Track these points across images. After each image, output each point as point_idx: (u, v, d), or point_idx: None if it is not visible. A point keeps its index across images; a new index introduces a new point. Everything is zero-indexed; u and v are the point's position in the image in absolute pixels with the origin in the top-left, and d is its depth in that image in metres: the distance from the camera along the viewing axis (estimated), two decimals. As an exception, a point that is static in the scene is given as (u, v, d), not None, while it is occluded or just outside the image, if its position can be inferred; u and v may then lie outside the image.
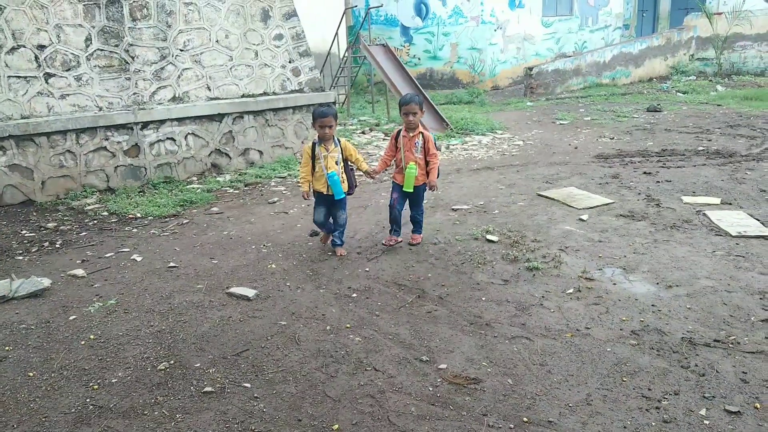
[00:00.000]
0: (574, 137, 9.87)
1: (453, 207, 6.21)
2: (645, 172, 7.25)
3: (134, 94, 7.45)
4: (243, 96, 8.32)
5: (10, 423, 2.88)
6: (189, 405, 2.97)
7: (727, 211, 5.63)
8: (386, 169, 5.31)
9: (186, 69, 7.85)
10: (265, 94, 8.52)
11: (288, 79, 8.73)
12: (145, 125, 7.44)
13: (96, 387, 3.16)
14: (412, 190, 4.84)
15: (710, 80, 15.79)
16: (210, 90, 8.05)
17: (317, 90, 8.98)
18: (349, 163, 4.94)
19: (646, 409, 2.78)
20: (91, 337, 3.72)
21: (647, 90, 15.00)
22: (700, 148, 8.40)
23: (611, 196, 6.34)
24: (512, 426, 2.70)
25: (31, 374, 3.31)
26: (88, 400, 3.05)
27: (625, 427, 2.66)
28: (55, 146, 6.91)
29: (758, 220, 5.33)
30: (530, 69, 14.91)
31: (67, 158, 7.02)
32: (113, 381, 3.21)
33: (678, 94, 14.28)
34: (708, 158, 7.84)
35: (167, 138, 7.64)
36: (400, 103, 4.90)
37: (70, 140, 6.98)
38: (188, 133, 7.79)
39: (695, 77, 16.29)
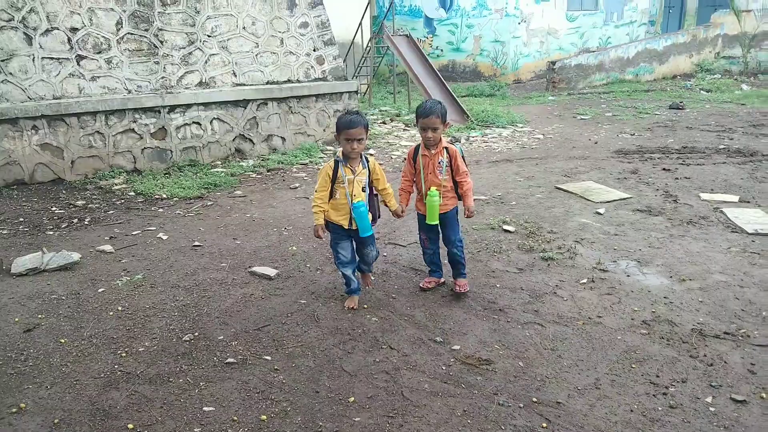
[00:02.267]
0: (594, 132, 9.87)
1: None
2: (664, 169, 7.26)
3: (162, 78, 7.62)
4: (268, 83, 8.45)
5: (44, 384, 3.05)
6: (212, 374, 3.11)
7: (745, 209, 5.64)
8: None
9: (213, 55, 7.99)
10: (289, 81, 8.64)
11: (312, 67, 8.85)
12: (172, 109, 7.60)
13: (124, 354, 3.32)
14: (437, 222, 3.82)
15: (735, 79, 15.60)
16: (236, 76, 8.19)
17: (340, 78, 9.08)
18: (375, 189, 3.84)
19: (653, 395, 2.87)
20: (119, 308, 3.89)
21: (670, 87, 14.87)
22: (721, 147, 8.36)
23: (629, 191, 6.37)
24: (522, 405, 2.80)
25: (62, 341, 3.48)
26: (116, 366, 3.21)
27: (631, 411, 2.75)
28: (85, 127, 7.10)
29: (776, 219, 5.35)
30: (553, 63, 14.86)
31: (96, 139, 7.21)
32: (140, 350, 3.37)
33: (702, 92, 14.14)
34: (728, 156, 7.81)
35: (193, 122, 7.80)
36: (417, 113, 3.74)
37: (99, 121, 7.17)
38: (214, 118, 7.95)
39: (720, 75, 16.10)
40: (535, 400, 2.84)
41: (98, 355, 3.32)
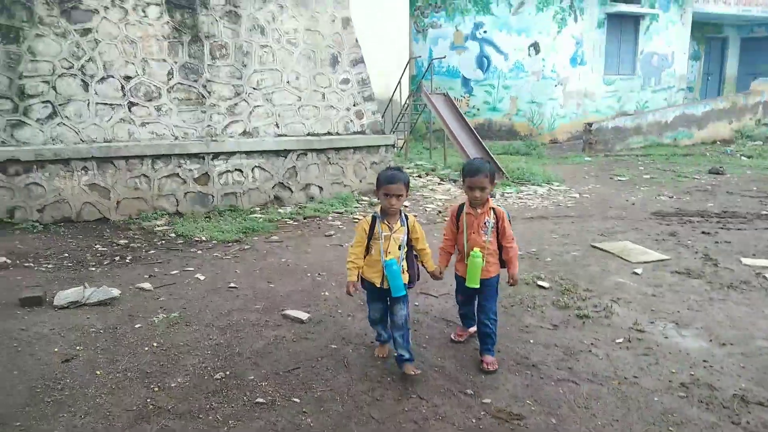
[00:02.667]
0: (631, 194, 9.80)
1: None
2: (703, 232, 7.14)
3: (208, 126, 7.93)
4: (308, 134, 8.70)
5: (78, 413, 3.10)
6: (241, 413, 3.12)
7: (789, 276, 5.49)
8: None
9: (257, 106, 8.30)
10: (329, 133, 8.89)
11: (351, 120, 9.09)
12: (215, 156, 7.87)
13: (156, 389, 3.36)
14: (477, 285, 3.59)
15: (777, 146, 15.39)
16: (278, 127, 8.46)
17: (378, 132, 9.30)
18: (413, 249, 3.70)
19: (692, 460, 2.76)
20: (154, 344, 3.95)
21: (710, 152, 14.73)
22: (764, 213, 8.20)
23: (667, 252, 6.27)
24: (553, 462, 2.73)
25: (98, 373, 3.55)
26: (148, 400, 3.25)
27: (668, 475, 2.65)
28: (132, 170, 7.39)
29: (822, 287, 5.18)
30: (590, 125, 14.92)
31: (142, 181, 7.49)
32: (173, 385, 3.41)
33: (742, 158, 13.96)
34: (771, 222, 7.65)
35: (235, 169, 8.05)
36: (464, 172, 3.63)
37: (146, 165, 7.47)
38: (255, 166, 8.19)
39: (762, 142, 15.91)
40: (567, 457, 2.77)
41: (132, 389, 3.37)
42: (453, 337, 4.03)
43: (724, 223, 7.63)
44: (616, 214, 8.23)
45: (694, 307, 4.74)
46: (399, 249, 3.50)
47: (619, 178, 11.41)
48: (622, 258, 6.08)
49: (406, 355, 3.52)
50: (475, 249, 3.55)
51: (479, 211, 3.64)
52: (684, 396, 3.34)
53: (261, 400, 3.25)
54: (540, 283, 5.25)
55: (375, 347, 3.89)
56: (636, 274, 5.56)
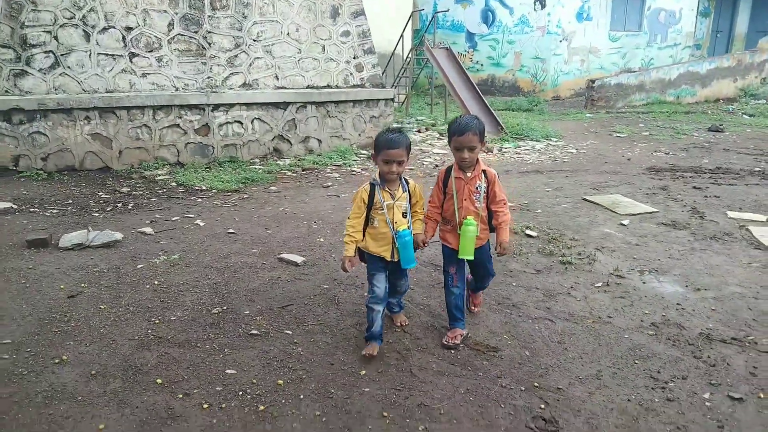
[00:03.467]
0: (628, 150, 9.88)
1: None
2: (694, 187, 7.27)
3: (208, 77, 8.00)
4: (308, 87, 8.76)
5: (84, 342, 3.33)
6: (236, 343, 3.34)
7: (772, 228, 5.65)
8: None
9: (257, 58, 8.35)
10: (328, 86, 8.94)
11: (351, 73, 9.13)
12: (216, 107, 7.97)
13: (157, 322, 3.59)
14: (472, 257, 3.29)
15: (781, 105, 15.32)
16: (278, 79, 8.53)
17: (378, 86, 9.35)
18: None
19: (652, 388, 2.98)
20: (156, 283, 4.17)
21: (712, 110, 14.70)
22: (756, 169, 8.30)
23: (656, 205, 6.42)
24: (523, 388, 2.95)
25: (102, 307, 3.77)
26: (149, 331, 3.47)
27: (629, 400, 2.87)
28: (133, 120, 7.52)
29: (802, 239, 5.34)
30: (592, 81, 14.86)
31: (143, 132, 7.62)
32: (172, 318, 3.63)
33: (744, 116, 13.94)
34: (762, 178, 7.76)
35: (235, 121, 8.15)
36: (450, 130, 3.23)
37: (147, 115, 7.58)
38: (255, 118, 8.29)
39: (765, 101, 15.83)
40: (536, 385, 2.98)
41: (133, 321, 3.59)
42: (445, 341, 3.36)
43: (716, 179, 7.75)
44: (610, 169, 8.34)
45: (675, 255, 4.92)
46: (404, 217, 3.24)
47: (618, 134, 11.46)
48: (611, 210, 6.23)
49: (397, 308, 3.60)
50: (469, 218, 3.23)
51: (469, 174, 3.26)
52: (653, 334, 3.55)
53: (255, 332, 3.47)
54: (528, 232, 5.42)
55: (361, 286, 4.05)
56: (623, 225, 5.72)
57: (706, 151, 9.75)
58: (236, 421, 2.67)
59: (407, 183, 3.28)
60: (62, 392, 2.85)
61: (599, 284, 4.29)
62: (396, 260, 3.24)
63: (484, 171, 3.28)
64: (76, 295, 3.93)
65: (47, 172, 7.16)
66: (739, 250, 5.08)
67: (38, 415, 2.67)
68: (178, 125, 7.79)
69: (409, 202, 3.28)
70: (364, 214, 3.23)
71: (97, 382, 2.94)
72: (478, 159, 3.25)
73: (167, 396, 2.83)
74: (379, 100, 9.31)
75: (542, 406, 2.81)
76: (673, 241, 5.27)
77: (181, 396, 2.83)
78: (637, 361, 3.23)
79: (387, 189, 3.19)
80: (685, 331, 3.59)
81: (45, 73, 7.12)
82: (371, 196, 3.20)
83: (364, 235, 3.28)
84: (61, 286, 4.07)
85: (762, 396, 2.91)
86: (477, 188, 3.26)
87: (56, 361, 3.12)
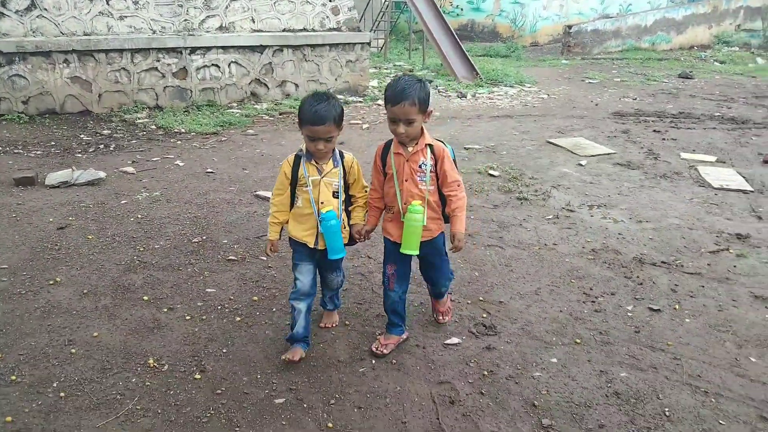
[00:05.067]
0: (598, 95, 10.18)
1: (465, 146, 6.73)
2: (655, 131, 7.63)
3: (185, 20, 8.08)
4: (284, 30, 8.87)
5: (75, 266, 3.65)
6: (215, 267, 3.69)
7: (719, 168, 6.05)
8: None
9: (233, 0, 8.41)
10: (304, 30, 9.05)
11: (327, 17, 9.23)
12: (193, 50, 8.09)
13: (142, 249, 3.91)
14: (416, 252, 2.71)
15: (752, 52, 15.62)
16: (254, 22, 8.62)
17: (354, 30, 9.46)
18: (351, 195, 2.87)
19: (583, 302, 3.39)
20: (139, 216, 4.47)
21: (685, 57, 14.96)
22: (717, 114, 8.67)
23: (615, 147, 6.78)
24: (470, 302, 3.35)
25: (89, 237, 4.08)
26: (135, 257, 3.80)
27: (560, 311, 3.28)
28: (112, 63, 7.63)
29: (744, 177, 5.74)
30: (569, 27, 14.99)
31: (122, 75, 7.75)
32: (156, 247, 3.96)
33: (715, 63, 14.24)
34: (720, 123, 8.13)
35: (212, 64, 8.28)
36: (385, 96, 2.65)
37: (125, 59, 7.69)
38: (231, 62, 8.42)
39: (738, 48, 16.11)
40: (481, 299, 3.38)
41: (120, 249, 3.91)
42: (374, 348, 2.86)
43: (676, 123, 8.11)
44: (578, 114, 8.66)
45: (624, 192, 5.31)
46: (335, 197, 2.72)
47: (590, 80, 11.73)
48: (572, 152, 6.58)
49: (330, 305, 3.08)
50: (414, 202, 2.65)
51: (410, 149, 2.68)
52: (592, 259, 3.95)
53: (233, 257, 3.81)
54: (491, 172, 5.76)
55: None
56: (580, 165, 6.09)
57: (673, 97, 10.08)
58: (215, 329, 3.03)
59: (342, 157, 2.75)
60: (58, 308, 3.19)
61: (550, 217, 4.67)
62: (322, 248, 2.74)
63: (430, 145, 2.69)
64: (64, 227, 4.23)
65: (28, 115, 7.30)
66: (684, 187, 5.48)
67: (38, 326, 3.01)
68: (156, 68, 7.91)
69: (345, 180, 2.76)
70: (289, 191, 2.74)
71: (89, 300, 3.28)
72: (423, 130, 2.68)
73: (153, 310, 3.18)
74: (355, 44, 9.44)
75: (484, 315, 3.21)
76: (625, 180, 5.66)
77: (165, 310, 3.19)
78: (573, 281, 3.64)
79: (314, 162, 2.68)
80: (620, 256, 4.00)
81: (22, 15, 7.17)
82: (295, 169, 2.71)
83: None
84: (50, 219, 4.36)
85: (677, 308, 3.34)
86: (420, 166, 2.68)
87: (50, 282, 3.45)
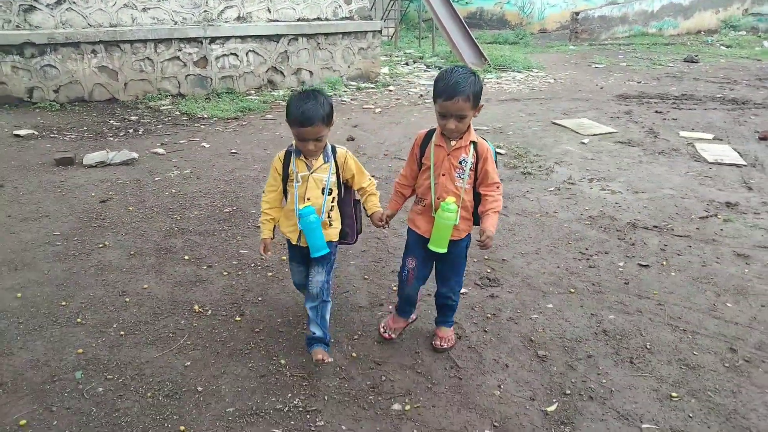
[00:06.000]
0: (603, 79, 10.46)
1: (474, 128, 7.05)
2: (656, 111, 7.92)
3: (205, 11, 8.46)
4: (299, 20, 9.22)
5: (120, 233, 4.06)
6: (246, 232, 4.09)
7: (715, 145, 6.35)
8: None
9: (250, -8, 8.78)
10: (318, 19, 9.40)
11: (339, 6, 9.57)
12: (212, 40, 8.47)
13: (179, 218, 4.31)
14: (444, 250, 2.59)
15: (759, 36, 15.75)
16: (270, 12, 8.98)
17: (365, 18, 9.80)
18: (355, 192, 2.82)
19: (578, 259, 3.75)
20: (173, 191, 4.87)
21: (691, 42, 15.14)
22: (718, 95, 8.93)
23: (617, 127, 7.09)
24: (475, 260, 3.71)
25: (130, 209, 4.49)
26: (173, 225, 4.20)
27: (557, 267, 3.64)
28: (136, 53, 8.03)
29: (738, 153, 6.05)
30: (576, 14, 15.21)
31: (146, 64, 8.15)
32: (191, 216, 4.36)
33: (721, 47, 14.41)
34: (721, 104, 8.40)
35: (231, 53, 8.66)
36: (437, 89, 2.45)
37: (149, 49, 8.09)
38: (249, 50, 8.80)
39: (745, 32, 16.24)
40: (486, 257, 3.75)
41: (159, 218, 4.32)
42: (382, 331, 2.91)
43: (678, 104, 8.39)
44: (582, 97, 8.96)
45: (623, 167, 5.64)
46: (324, 193, 2.60)
47: (596, 65, 11.99)
48: (575, 131, 6.91)
49: (318, 333, 2.67)
50: (448, 199, 2.53)
51: (454, 144, 2.54)
52: (589, 224, 4.30)
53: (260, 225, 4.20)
54: (498, 150, 6.08)
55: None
56: (583, 143, 6.41)
57: (677, 80, 10.33)
58: (251, 282, 3.43)
59: (334, 152, 2.63)
60: (109, 266, 3.60)
61: (552, 189, 5.02)
62: (304, 245, 2.63)
63: (474, 143, 2.55)
64: (106, 200, 4.64)
65: (59, 103, 7.72)
66: (681, 162, 5.80)
67: (94, 281, 3.42)
68: (178, 58, 8.31)
69: (338, 177, 2.65)
70: (281, 188, 2.68)
71: (137, 259, 3.68)
72: (469, 126, 2.53)
73: (194, 267, 3.59)
74: (367, 32, 9.78)
75: (488, 270, 3.58)
76: (625, 156, 5.98)
77: (205, 267, 3.59)
78: (570, 242, 3.99)
79: (303, 158, 2.58)
80: (615, 222, 4.34)
81: (52, 8, 7.58)
82: (286, 165, 2.62)
83: None
84: (93, 194, 4.77)
85: (665, 264, 3.69)
86: (461, 163, 2.54)
87: (100, 246, 3.86)
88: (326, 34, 9.37)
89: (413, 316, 2.99)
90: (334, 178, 2.63)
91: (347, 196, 2.77)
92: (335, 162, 2.63)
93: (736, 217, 4.43)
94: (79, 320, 3.03)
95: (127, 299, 3.23)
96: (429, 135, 2.63)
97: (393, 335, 2.88)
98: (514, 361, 2.74)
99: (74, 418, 2.37)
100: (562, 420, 2.38)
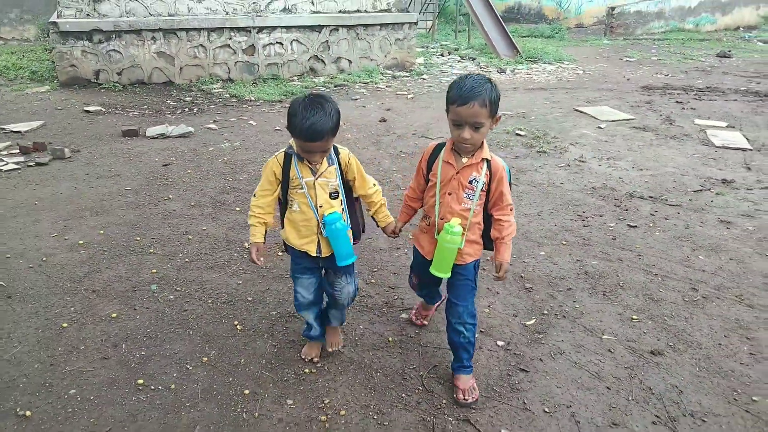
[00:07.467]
0: (632, 72, 10.79)
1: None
2: (677, 101, 8.28)
3: (254, 2, 9.18)
4: (340, 11, 9.86)
5: (181, 189, 4.76)
6: (287, 191, 4.74)
7: (726, 131, 6.72)
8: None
9: (295, -15, 9.46)
10: (358, 11, 10.02)
11: (378, -1, 10.18)
12: (260, 30, 9.18)
13: (230, 180, 5.00)
14: (447, 275, 2.43)
15: (800, 32, 15.70)
16: (313, 4, 9.64)
17: (403, 11, 10.38)
18: (357, 194, 2.60)
19: (575, 220, 4.27)
20: (225, 159, 5.57)
21: (728, 38, 15.21)
22: (742, 88, 9.20)
23: (636, 114, 7.50)
24: (484, 218, 4.28)
25: (189, 171, 5.20)
26: (226, 184, 4.89)
27: (555, 226, 4.17)
28: (191, 40, 8.80)
29: (747, 139, 6.42)
30: (612, 9, 15.45)
31: (200, 51, 8.91)
32: (241, 178, 5.04)
33: (759, 43, 14.47)
34: (743, 96, 8.69)
35: (277, 42, 9.36)
36: (450, 95, 2.24)
37: (203, 37, 8.85)
38: (293, 40, 9.48)
39: (787, 29, 16.20)
40: (494, 216, 4.31)
41: (214, 179, 5.01)
42: (413, 318, 2.99)
43: (700, 96, 8.72)
44: (607, 87, 9.35)
45: (633, 149, 6.09)
46: (332, 198, 2.44)
47: (628, 59, 12.29)
48: (594, 117, 7.36)
49: (335, 321, 2.75)
50: (453, 221, 2.33)
51: (465, 161, 2.33)
52: (590, 193, 4.81)
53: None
54: (518, 132, 6.62)
55: (378, 164, 5.37)
56: (599, 128, 6.87)
57: (705, 74, 10.59)
58: (290, 228, 4.07)
59: (337, 154, 2.46)
60: (173, 214, 4.29)
61: (563, 165, 5.53)
62: (325, 256, 2.50)
63: (486, 160, 2.33)
64: (168, 164, 5.36)
65: (122, 84, 8.55)
66: (690, 146, 6.21)
67: (161, 223, 4.12)
68: (228, 45, 9.05)
69: (341, 179, 2.46)
70: (276, 192, 2.48)
71: (196, 209, 4.37)
72: (483, 142, 2.32)
73: (244, 216, 4.25)
74: (403, 23, 10.36)
75: (494, 225, 4.14)
76: (637, 140, 6.42)
77: (252, 216, 4.25)
78: (570, 207, 4.52)
79: (306, 162, 2.38)
80: (615, 192, 4.84)
81: (118, -1, 8.41)
82: (286, 169, 2.42)
83: (282, 222, 2.56)
84: (156, 159, 5.50)
85: (651, 225, 4.18)
86: (471, 182, 2.33)
87: (165, 198, 4.57)
88: (365, 26, 9.98)
89: (439, 302, 2.96)
90: (340, 180, 2.45)
91: (350, 197, 2.58)
92: (339, 164, 2.45)
93: (729, 191, 4.86)
94: (151, 251, 3.72)
95: (190, 237, 3.91)
96: (438, 149, 2.43)
97: (425, 321, 2.97)
98: (504, 290, 3.31)
99: (152, 315, 3.04)
100: (538, 330, 2.95)
